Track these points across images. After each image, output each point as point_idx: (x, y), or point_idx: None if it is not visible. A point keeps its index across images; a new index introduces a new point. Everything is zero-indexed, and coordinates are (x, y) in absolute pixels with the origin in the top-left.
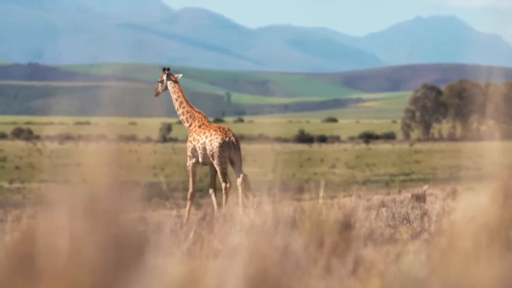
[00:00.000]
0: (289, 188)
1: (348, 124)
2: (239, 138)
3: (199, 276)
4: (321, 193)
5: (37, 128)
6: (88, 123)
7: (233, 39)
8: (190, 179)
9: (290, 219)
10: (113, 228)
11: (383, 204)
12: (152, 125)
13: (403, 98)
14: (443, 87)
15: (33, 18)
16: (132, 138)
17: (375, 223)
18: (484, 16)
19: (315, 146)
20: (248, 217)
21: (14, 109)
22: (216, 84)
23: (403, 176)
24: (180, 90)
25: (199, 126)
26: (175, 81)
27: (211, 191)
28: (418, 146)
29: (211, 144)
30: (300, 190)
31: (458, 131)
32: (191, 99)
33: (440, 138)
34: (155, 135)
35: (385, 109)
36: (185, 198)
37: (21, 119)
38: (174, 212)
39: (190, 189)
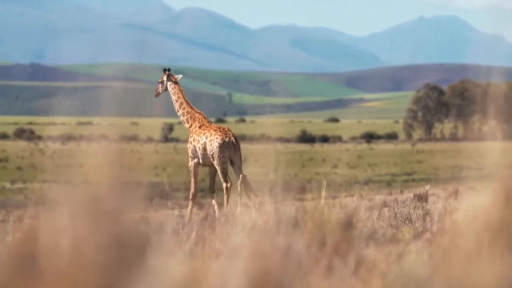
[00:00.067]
0: (291, 188)
1: (350, 124)
2: (241, 138)
3: (201, 276)
4: (323, 193)
5: (39, 128)
6: (90, 123)
7: (235, 39)
8: (192, 180)
9: (292, 219)
10: (115, 228)
11: (385, 204)
12: (153, 125)
13: (405, 98)
14: (445, 87)
15: (34, 19)
16: (134, 138)
17: (377, 223)
18: (487, 17)
19: (317, 146)
20: (250, 217)
21: (16, 110)
22: (218, 84)
23: (405, 176)
24: (180, 91)
25: (200, 127)
26: (175, 82)
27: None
28: (420, 146)
29: (211, 145)
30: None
31: (460, 131)
32: (193, 99)
33: (442, 138)
34: (157, 135)
35: (387, 109)
36: (186, 198)
37: (23, 120)
38: (176, 212)
39: (192, 189)
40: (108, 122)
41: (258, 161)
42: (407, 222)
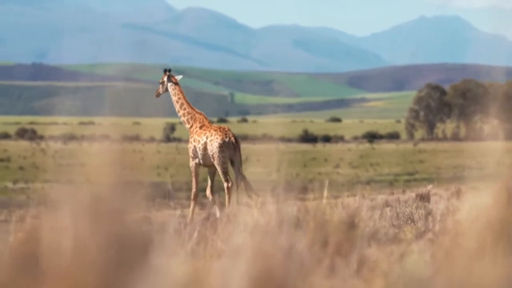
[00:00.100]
0: (293, 188)
1: (352, 124)
2: (243, 138)
3: (203, 276)
4: (325, 193)
5: (40, 128)
6: (91, 123)
7: (237, 39)
8: (193, 180)
9: (294, 219)
10: (117, 228)
11: (387, 204)
12: (155, 125)
13: (407, 98)
14: (447, 87)
15: (36, 19)
16: (136, 138)
17: (379, 223)
18: (488, 16)
19: (319, 146)
20: (251, 217)
21: (17, 109)
22: (220, 84)
23: (407, 175)
24: (181, 92)
25: (200, 127)
26: (176, 83)
27: (208, 193)
28: (422, 145)
29: (211, 145)
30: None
31: (462, 131)
32: (195, 99)
33: (444, 138)
34: (159, 135)
35: (389, 109)
36: (189, 198)
37: (25, 119)
38: (178, 212)
39: (193, 189)
40: (110, 122)
41: (260, 161)
42: (409, 222)
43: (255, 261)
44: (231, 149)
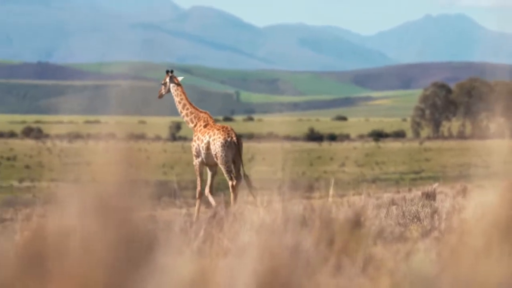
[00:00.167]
0: (299, 186)
1: (358, 122)
2: (249, 137)
3: (209, 275)
4: (331, 191)
5: (46, 127)
6: (97, 121)
7: (243, 38)
8: (198, 178)
9: (300, 217)
10: (123, 227)
11: (393, 202)
12: (161, 123)
13: (413, 96)
14: (453, 85)
15: (43, 17)
16: (142, 137)
17: (385, 221)
18: (494, 15)
19: (325, 144)
20: (258, 215)
21: (23, 108)
22: (226, 83)
23: (413, 174)
24: (183, 93)
25: (205, 126)
26: (178, 84)
27: (207, 192)
28: (428, 144)
29: (214, 144)
30: (310, 188)
31: (468, 129)
32: (201, 98)
33: (450, 136)
34: (165, 133)
35: (395, 107)
36: (194, 197)
37: (31, 118)
38: (183, 211)
39: (198, 188)
40: (116, 121)
41: (266, 159)
42: (415, 220)
43: (261, 260)
44: (233, 148)
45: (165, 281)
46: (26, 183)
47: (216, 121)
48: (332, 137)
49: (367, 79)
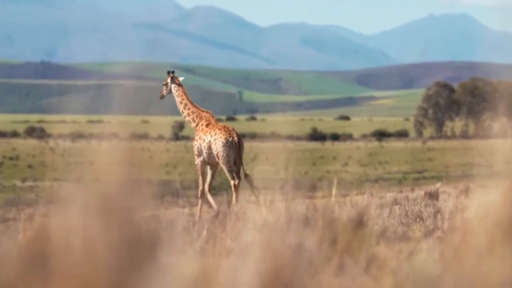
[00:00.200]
0: (301, 186)
1: (361, 122)
2: (252, 136)
3: (211, 274)
4: (334, 191)
5: (49, 126)
6: (100, 121)
7: (245, 37)
8: (200, 177)
9: (303, 217)
10: (126, 226)
11: (396, 202)
12: (164, 123)
13: (416, 96)
14: (455, 85)
15: (46, 17)
16: (145, 136)
17: (388, 221)
18: (497, 14)
19: (328, 144)
20: (260, 215)
21: (26, 108)
22: (228, 82)
23: (415, 173)
24: (184, 93)
25: (206, 125)
26: (179, 84)
27: (206, 191)
28: (431, 143)
29: (215, 144)
30: (313, 188)
31: (471, 129)
32: (203, 97)
33: (453, 136)
34: (168, 133)
35: (398, 106)
36: (197, 196)
37: (34, 118)
38: (186, 210)
39: (200, 187)
40: (119, 120)
41: (269, 159)
42: (418, 220)
43: (264, 259)
44: (234, 148)
45: (168, 280)
46: (29, 183)
47: (218, 120)
48: (335, 137)
49: (370, 78)
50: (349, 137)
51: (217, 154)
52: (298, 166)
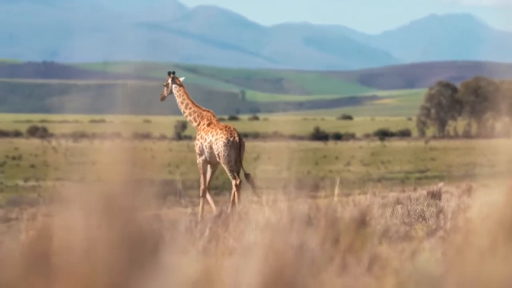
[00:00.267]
0: (304, 185)
1: (363, 121)
2: (254, 136)
3: (214, 274)
4: (336, 190)
5: (51, 126)
6: (102, 121)
7: (248, 37)
8: (201, 177)
9: (306, 216)
10: (128, 226)
11: (398, 202)
12: (166, 123)
13: (418, 95)
14: (458, 85)
15: (48, 17)
16: (147, 136)
17: (390, 221)
18: (499, 14)
19: (330, 143)
20: (263, 214)
21: (28, 107)
22: (231, 82)
23: (418, 173)
24: (185, 93)
25: (208, 125)
26: (180, 85)
27: (208, 197)
28: (434, 143)
29: (216, 143)
30: (315, 187)
31: (474, 129)
32: (206, 97)
33: (456, 136)
34: (170, 133)
35: (400, 106)
36: (199, 196)
37: (36, 117)
38: (189, 210)
39: (202, 186)
40: (121, 120)
41: (271, 158)
42: (421, 219)
43: (267, 259)
44: (236, 148)
45: (170, 280)
46: (32, 183)
47: (221, 120)
48: (338, 136)
49: (373, 78)
50: (351, 136)
51: (218, 154)
52: (300, 165)
